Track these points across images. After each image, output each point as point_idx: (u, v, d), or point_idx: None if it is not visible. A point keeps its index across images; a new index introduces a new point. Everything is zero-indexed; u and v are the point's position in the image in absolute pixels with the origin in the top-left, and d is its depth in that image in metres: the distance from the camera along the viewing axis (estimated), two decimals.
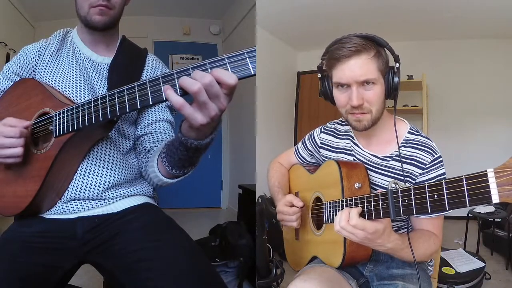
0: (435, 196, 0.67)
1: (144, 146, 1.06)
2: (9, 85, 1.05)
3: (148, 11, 3.96)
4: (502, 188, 0.57)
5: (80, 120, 0.83)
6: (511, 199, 0.56)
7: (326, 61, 0.98)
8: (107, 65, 1.07)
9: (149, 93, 0.73)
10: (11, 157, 0.88)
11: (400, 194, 0.74)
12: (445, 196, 0.65)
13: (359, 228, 0.80)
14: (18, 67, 1.06)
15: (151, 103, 0.73)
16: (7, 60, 3.12)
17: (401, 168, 0.98)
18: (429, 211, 0.69)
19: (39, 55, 1.06)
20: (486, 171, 0.59)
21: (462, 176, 0.62)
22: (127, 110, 0.76)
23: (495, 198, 0.58)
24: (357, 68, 0.91)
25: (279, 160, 1.33)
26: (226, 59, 0.69)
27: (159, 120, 1.09)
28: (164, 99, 0.72)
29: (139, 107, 0.75)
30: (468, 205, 0.62)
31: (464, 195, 0.62)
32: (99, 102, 0.80)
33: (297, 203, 1.08)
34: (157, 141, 1.06)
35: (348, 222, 0.81)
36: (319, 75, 1.03)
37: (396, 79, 0.94)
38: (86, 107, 0.83)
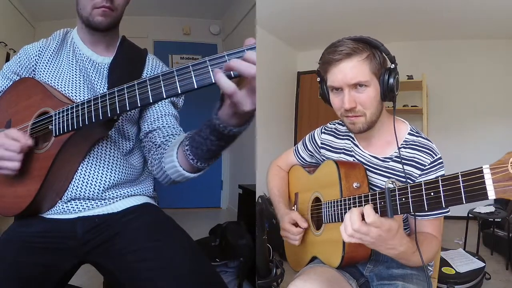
0: (432, 193, 0.67)
1: (154, 142, 1.03)
2: (9, 85, 1.05)
3: (148, 11, 3.95)
4: (498, 184, 0.57)
5: (80, 119, 0.83)
6: (507, 195, 0.56)
7: (320, 66, 0.99)
8: (107, 65, 1.07)
9: (149, 91, 0.73)
10: (7, 170, 0.88)
11: (397, 192, 0.74)
12: (442, 193, 0.65)
13: (376, 226, 0.75)
14: (17, 66, 1.06)
15: (151, 101, 0.73)
16: (7, 60, 3.12)
17: (400, 169, 0.98)
18: (426, 209, 0.68)
19: (39, 55, 1.06)
20: (481, 167, 0.59)
21: (458, 173, 0.62)
22: (127, 108, 0.76)
23: (491, 194, 0.57)
24: (348, 71, 0.91)
25: (278, 163, 1.33)
26: (226, 56, 0.68)
27: (165, 114, 1.08)
28: (164, 96, 0.71)
29: (139, 105, 0.75)
30: (464, 202, 0.61)
31: (460, 192, 0.61)
32: (99, 101, 0.80)
33: (301, 223, 1.10)
34: (168, 135, 1.03)
35: (363, 222, 0.76)
36: (318, 79, 1.03)
37: (391, 80, 0.93)
38: (86, 105, 0.83)
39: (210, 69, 0.68)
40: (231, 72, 0.67)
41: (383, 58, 0.95)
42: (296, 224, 1.12)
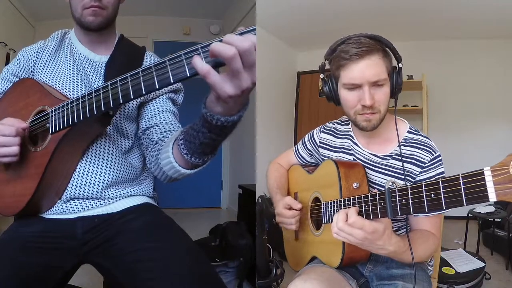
0: (432, 195, 0.66)
1: (152, 138, 1.03)
2: (8, 87, 1.06)
3: (148, 11, 3.96)
4: (499, 187, 0.56)
5: (75, 115, 0.83)
6: (508, 197, 0.55)
7: (333, 61, 0.97)
8: (105, 63, 1.07)
9: (142, 82, 0.72)
10: (6, 156, 0.88)
11: (397, 193, 0.74)
12: (442, 195, 0.64)
13: (357, 227, 0.78)
14: (16, 68, 1.07)
15: (143, 92, 0.72)
16: (7, 60, 3.13)
17: (400, 167, 0.98)
18: (426, 210, 0.68)
19: (37, 56, 1.06)
20: (482, 169, 0.58)
21: (459, 174, 0.61)
22: (121, 101, 0.76)
23: (492, 197, 0.57)
24: (370, 68, 0.91)
25: (278, 161, 1.33)
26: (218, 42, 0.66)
27: (164, 111, 1.07)
28: (157, 87, 0.70)
29: (132, 97, 0.74)
30: (465, 204, 0.61)
31: (461, 194, 0.61)
32: (93, 95, 0.80)
33: (295, 205, 1.09)
34: (165, 131, 1.02)
35: (346, 222, 0.80)
36: (321, 76, 1.02)
37: (400, 79, 0.95)
38: (80, 101, 0.83)
39: (203, 57, 0.66)
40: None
41: (391, 57, 0.96)
42: (290, 208, 1.11)
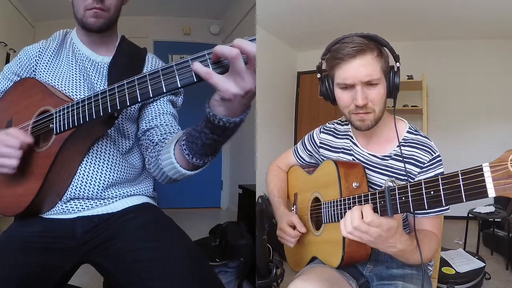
0: (432, 192, 0.67)
1: (152, 140, 1.03)
2: (9, 86, 1.06)
3: (148, 11, 3.96)
4: (498, 182, 0.57)
5: (81, 116, 0.83)
6: (507, 193, 0.56)
7: (328, 61, 0.97)
8: (107, 64, 1.07)
9: (149, 86, 0.72)
10: (4, 167, 0.87)
11: (397, 191, 0.74)
12: (442, 192, 0.65)
13: (375, 225, 0.76)
14: (18, 67, 1.07)
15: (151, 95, 0.73)
16: (7, 60, 3.13)
17: (399, 167, 0.98)
18: (426, 207, 0.68)
19: (39, 56, 1.06)
20: (481, 165, 0.59)
21: (458, 171, 0.62)
22: (128, 104, 0.76)
23: (491, 193, 0.57)
24: (362, 68, 0.91)
25: (278, 163, 1.33)
26: None
27: (164, 113, 1.08)
28: (165, 91, 0.71)
29: (139, 100, 0.74)
30: (464, 200, 0.61)
31: (460, 190, 0.61)
32: (99, 97, 0.80)
33: (300, 228, 1.10)
34: (166, 133, 1.03)
35: (363, 220, 0.77)
36: (318, 75, 1.03)
37: (397, 79, 0.94)
38: (86, 102, 0.83)
39: (209, 63, 0.68)
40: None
41: (388, 56, 0.96)
42: (294, 227, 1.12)
